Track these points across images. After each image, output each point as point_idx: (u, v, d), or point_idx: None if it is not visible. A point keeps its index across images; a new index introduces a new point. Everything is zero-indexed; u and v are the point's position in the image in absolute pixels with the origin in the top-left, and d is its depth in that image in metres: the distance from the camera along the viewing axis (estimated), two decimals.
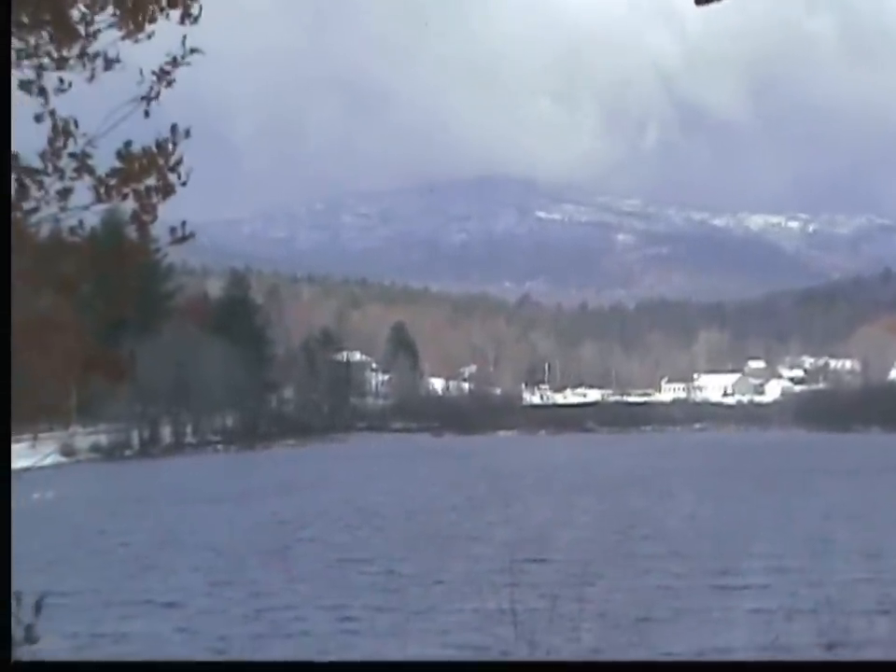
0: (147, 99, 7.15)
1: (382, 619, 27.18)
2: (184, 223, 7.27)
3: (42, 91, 7.01)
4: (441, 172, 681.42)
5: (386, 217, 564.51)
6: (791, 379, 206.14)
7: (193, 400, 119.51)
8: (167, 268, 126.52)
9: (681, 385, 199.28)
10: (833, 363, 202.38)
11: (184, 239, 7.31)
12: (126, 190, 7.08)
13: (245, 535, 45.93)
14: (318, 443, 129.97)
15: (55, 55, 7.02)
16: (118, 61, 7.14)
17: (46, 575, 29.65)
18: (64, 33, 6.98)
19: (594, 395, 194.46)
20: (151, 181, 7.09)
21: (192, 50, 7.17)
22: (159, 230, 7.32)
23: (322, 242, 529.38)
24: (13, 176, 6.81)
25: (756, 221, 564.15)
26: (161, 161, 7.08)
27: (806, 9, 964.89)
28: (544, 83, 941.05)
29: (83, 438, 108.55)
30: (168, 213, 7.34)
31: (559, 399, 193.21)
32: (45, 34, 6.98)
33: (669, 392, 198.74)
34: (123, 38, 7.10)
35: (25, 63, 6.94)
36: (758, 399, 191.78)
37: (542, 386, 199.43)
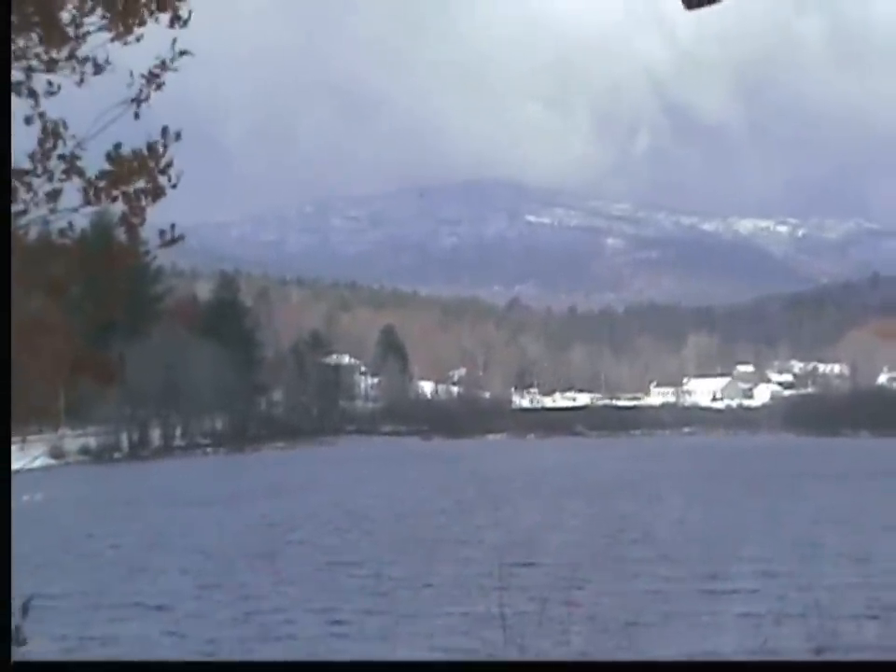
0: (137, 101, 7.15)
1: (371, 622, 27.16)
2: (173, 226, 7.27)
3: (32, 93, 7.00)
4: (432, 176, 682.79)
5: (377, 220, 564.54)
6: (780, 383, 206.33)
7: (182, 403, 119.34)
8: (156, 270, 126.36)
9: (670, 389, 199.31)
10: (821, 367, 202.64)
11: (173, 241, 7.31)
12: (115, 193, 7.08)
13: (234, 538, 45.86)
14: (307, 446, 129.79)
15: (44, 57, 7.01)
16: (108, 63, 7.14)
17: (34, 578, 29.56)
18: (54, 35, 6.98)
19: (583, 399, 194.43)
20: (141, 184, 7.09)
21: (182, 53, 7.17)
22: (148, 232, 7.32)
23: (312, 245, 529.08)
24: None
25: (745, 225, 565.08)
26: (151, 164, 7.08)
27: (796, 14, 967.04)
28: (536, 88, 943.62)
29: (72, 440, 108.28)
30: (158, 215, 7.34)
31: (548, 402, 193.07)
32: (34, 35, 6.97)
33: (658, 396, 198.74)
34: (112, 41, 7.10)
35: (14, 64, 6.94)
36: (747, 403, 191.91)
37: (531, 390, 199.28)
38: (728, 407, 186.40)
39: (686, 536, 43.42)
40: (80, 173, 7.05)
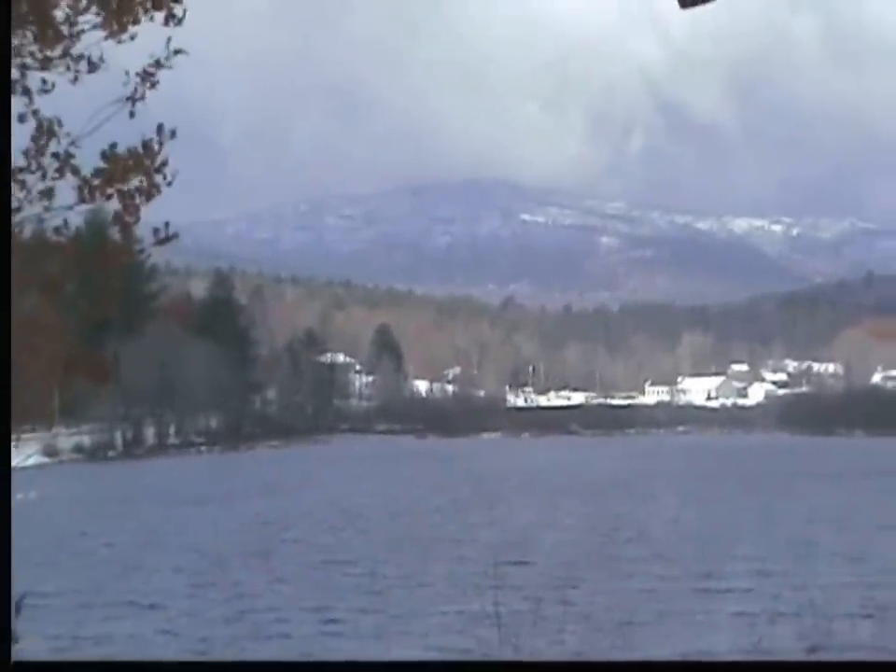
0: (132, 100, 7.13)
1: (365, 621, 27.15)
2: (167, 224, 7.26)
3: (26, 91, 6.99)
4: (427, 175, 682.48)
5: (371, 219, 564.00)
6: (775, 382, 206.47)
7: (177, 401, 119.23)
8: (151, 268, 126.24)
9: (665, 388, 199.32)
10: (815, 367, 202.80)
11: (168, 240, 7.30)
12: (110, 191, 7.06)
13: (228, 536, 45.83)
14: (302, 445, 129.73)
15: (39, 55, 7.00)
16: (102, 61, 7.12)
17: (28, 576, 29.51)
18: (48, 33, 6.96)
19: (577, 397, 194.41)
20: (136, 182, 7.08)
21: (176, 52, 7.15)
22: (142, 230, 7.31)
23: (306, 243, 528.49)
24: None
25: (740, 225, 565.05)
26: (146, 162, 7.06)
27: (790, 13, 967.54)
28: (531, 88, 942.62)
29: (66, 438, 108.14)
30: (152, 213, 7.32)
31: (543, 401, 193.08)
32: (28, 33, 6.96)
33: (653, 395, 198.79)
34: (107, 39, 7.08)
35: None
36: (741, 402, 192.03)
37: (526, 389, 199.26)
38: (722, 406, 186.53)
39: (680, 535, 43.44)
40: (75, 170, 7.04)
